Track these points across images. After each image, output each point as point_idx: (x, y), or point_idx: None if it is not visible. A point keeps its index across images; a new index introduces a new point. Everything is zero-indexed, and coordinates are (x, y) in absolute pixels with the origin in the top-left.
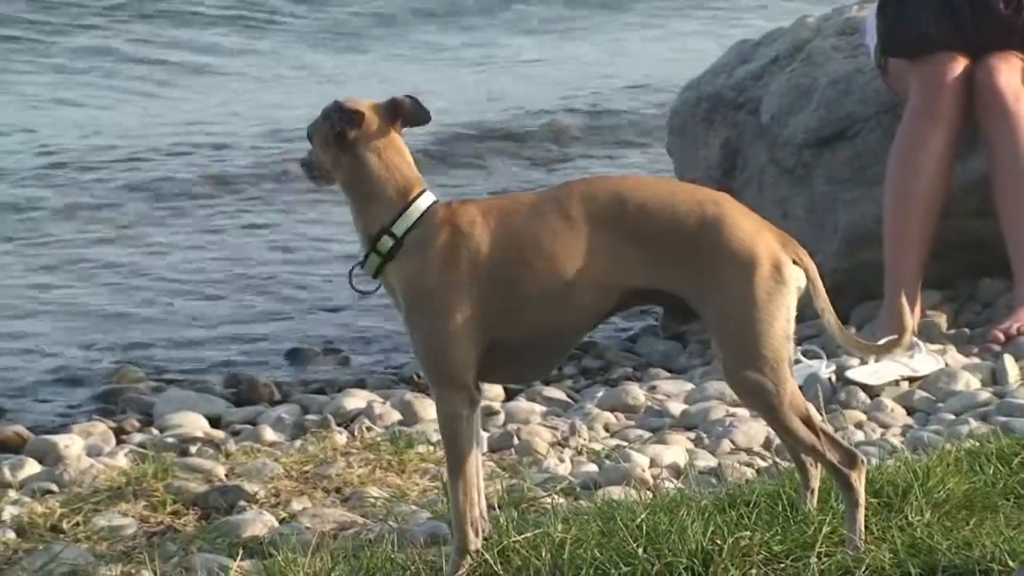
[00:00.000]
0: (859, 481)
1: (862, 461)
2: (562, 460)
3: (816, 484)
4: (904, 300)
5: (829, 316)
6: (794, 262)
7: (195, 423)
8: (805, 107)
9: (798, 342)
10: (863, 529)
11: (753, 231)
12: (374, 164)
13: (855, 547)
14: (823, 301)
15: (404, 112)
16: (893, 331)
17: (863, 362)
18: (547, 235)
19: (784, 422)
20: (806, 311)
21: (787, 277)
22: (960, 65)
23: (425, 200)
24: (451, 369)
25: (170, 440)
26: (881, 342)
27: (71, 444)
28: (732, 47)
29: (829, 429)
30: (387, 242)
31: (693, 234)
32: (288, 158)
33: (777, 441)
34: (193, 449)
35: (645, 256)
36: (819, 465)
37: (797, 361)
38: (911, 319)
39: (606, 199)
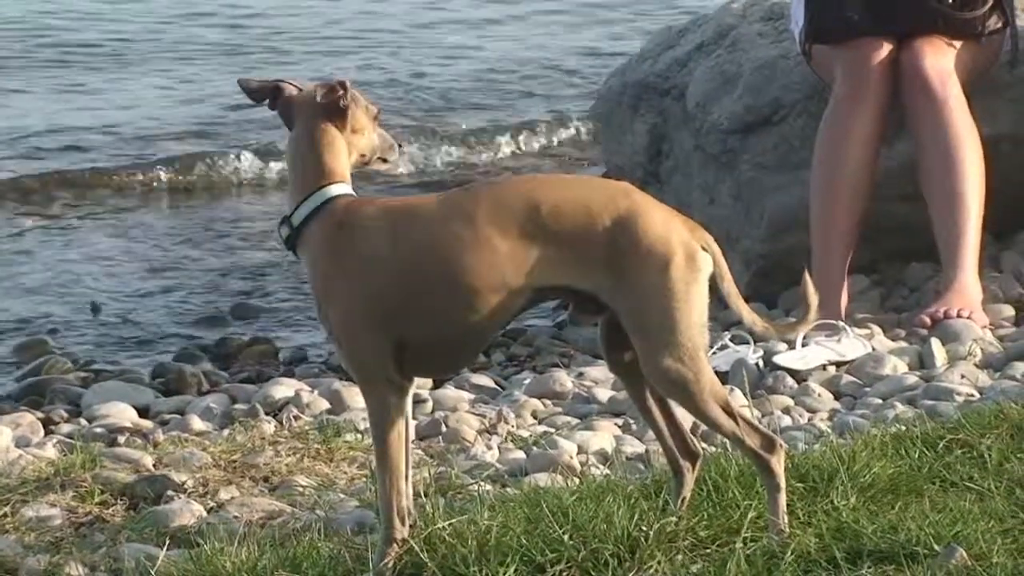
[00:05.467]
0: (779, 465)
1: (780, 445)
2: (490, 447)
3: (687, 493)
4: (808, 278)
5: (736, 300)
6: (703, 248)
7: (123, 413)
8: (730, 93)
9: (725, 328)
10: (785, 512)
11: (665, 222)
12: (295, 148)
13: (779, 530)
14: (730, 285)
15: (338, 97)
16: (820, 315)
17: (790, 347)
18: (449, 240)
19: (705, 410)
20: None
21: (700, 265)
22: (885, 50)
23: (329, 192)
24: (363, 362)
25: (98, 430)
26: (785, 323)
27: None
28: (657, 33)
29: (747, 414)
30: (284, 230)
31: (608, 230)
32: None
33: (704, 427)
34: (121, 439)
35: (558, 256)
36: (700, 461)
37: (724, 347)
38: (816, 298)
39: (516, 202)
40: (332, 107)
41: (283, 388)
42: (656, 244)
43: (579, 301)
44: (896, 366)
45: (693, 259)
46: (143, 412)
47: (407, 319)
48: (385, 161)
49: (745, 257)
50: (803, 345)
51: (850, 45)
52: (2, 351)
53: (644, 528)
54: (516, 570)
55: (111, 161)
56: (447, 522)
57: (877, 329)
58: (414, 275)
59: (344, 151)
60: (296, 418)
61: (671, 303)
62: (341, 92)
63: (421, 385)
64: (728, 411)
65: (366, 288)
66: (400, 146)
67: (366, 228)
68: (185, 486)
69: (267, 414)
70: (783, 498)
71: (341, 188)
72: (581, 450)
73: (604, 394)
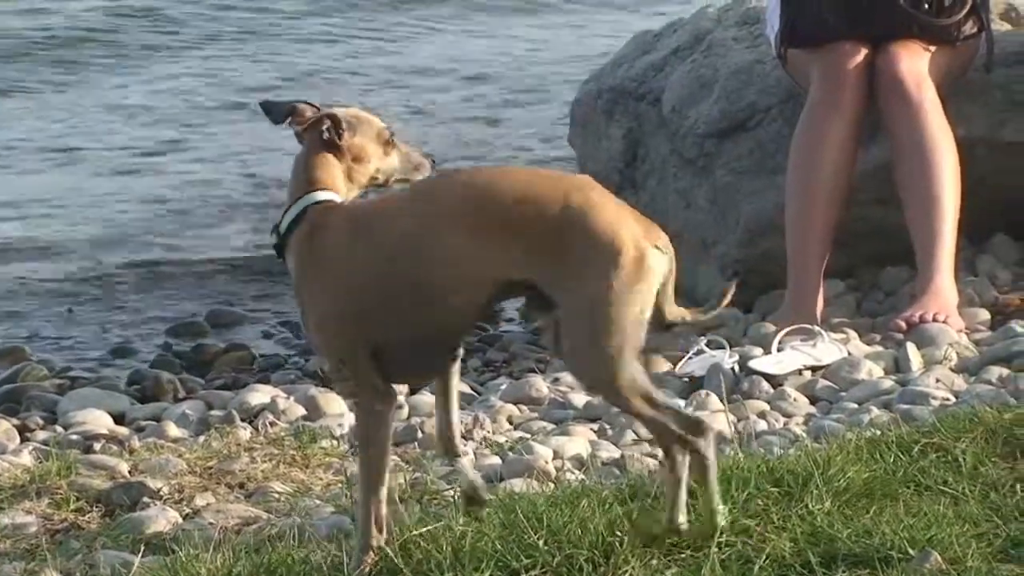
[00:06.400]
0: (708, 447)
1: (707, 427)
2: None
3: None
4: (726, 291)
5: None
6: (657, 248)
7: (99, 420)
8: (706, 98)
9: (700, 333)
10: (718, 491)
11: (616, 218)
12: (293, 166)
13: (713, 510)
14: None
15: (320, 131)
16: (796, 320)
17: (766, 352)
18: (409, 236)
19: (624, 403)
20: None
21: (649, 264)
22: (861, 54)
23: (311, 198)
24: (341, 368)
25: (74, 437)
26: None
27: None
28: (633, 38)
29: (672, 403)
30: (273, 238)
31: (557, 222)
32: None
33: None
34: (97, 446)
35: (510, 247)
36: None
37: (700, 351)
38: (732, 286)
39: (467, 193)
40: (325, 138)
41: (259, 394)
42: (603, 239)
43: (532, 296)
44: (872, 370)
45: (642, 258)
46: (119, 419)
47: (375, 321)
48: (408, 181)
49: (721, 262)
50: (779, 350)
51: (826, 49)
52: None
53: (619, 533)
54: (491, 575)
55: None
56: (422, 529)
57: (853, 333)
58: (375, 276)
59: (338, 175)
60: (272, 424)
61: (609, 297)
62: (326, 125)
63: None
64: (650, 400)
65: (334, 291)
66: (433, 163)
67: (330, 231)
68: (161, 493)
69: (243, 420)
70: (714, 474)
71: (325, 195)
72: (557, 455)
73: (580, 399)
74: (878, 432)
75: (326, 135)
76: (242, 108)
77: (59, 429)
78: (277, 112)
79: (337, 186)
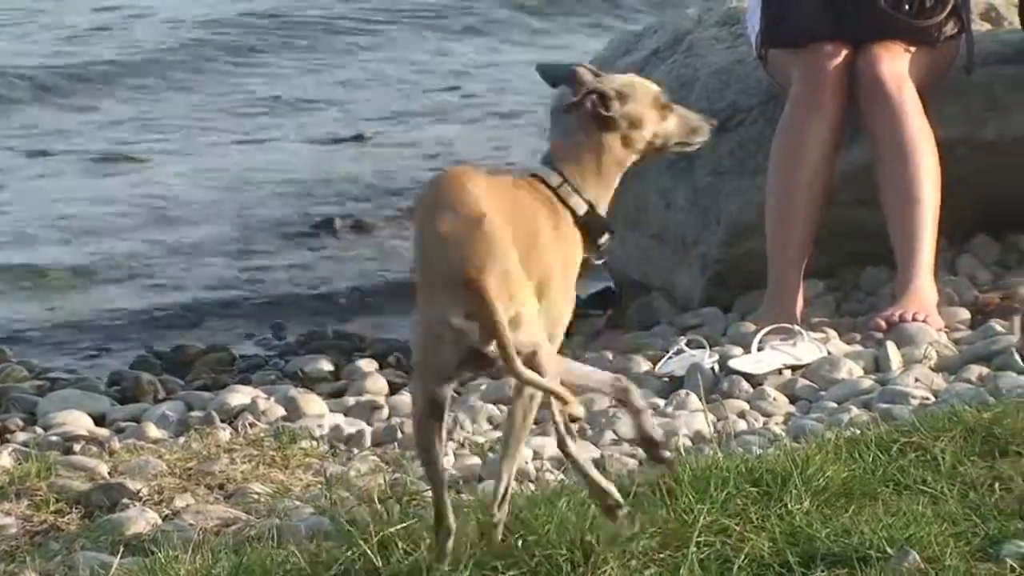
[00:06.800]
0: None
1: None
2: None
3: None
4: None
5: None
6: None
7: (79, 421)
8: (687, 98)
9: (681, 332)
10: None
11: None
12: None
13: None
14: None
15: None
16: (776, 319)
17: (747, 351)
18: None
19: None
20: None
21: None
22: (841, 54)
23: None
24: None
25: (54, 439)
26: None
27: None
28: (614, 39)
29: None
30: None
31: (453, 253)
32: None
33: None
34: (77, 447)
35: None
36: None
37: (680, 351)
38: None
39: (434, 186)
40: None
41: (239, 395)
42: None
43: None
44: (851, 370)
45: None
46: (99, 420)
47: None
48: (687, 145)
49: (702, 262)
50: (759, 349)
51: (806, 50)
52: None
53: (598, 533)
54: (470, 575)
55: None
56: (401, 527)
57: (833, 333)
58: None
59: (591, 153)
60: (252, 425)
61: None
62: (591, 100)
63: (376, 392)
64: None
65: None
66: (713, 126)
67: None
68: (140, 494)
69: (223, 421)
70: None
71: (542, 168)
72: (536, 455)
73: None
74: (857, 431)
75: (589, 107)
76: (237, 119)
77: (39, 430)
78: (556, 76)
79: (567, 163)
